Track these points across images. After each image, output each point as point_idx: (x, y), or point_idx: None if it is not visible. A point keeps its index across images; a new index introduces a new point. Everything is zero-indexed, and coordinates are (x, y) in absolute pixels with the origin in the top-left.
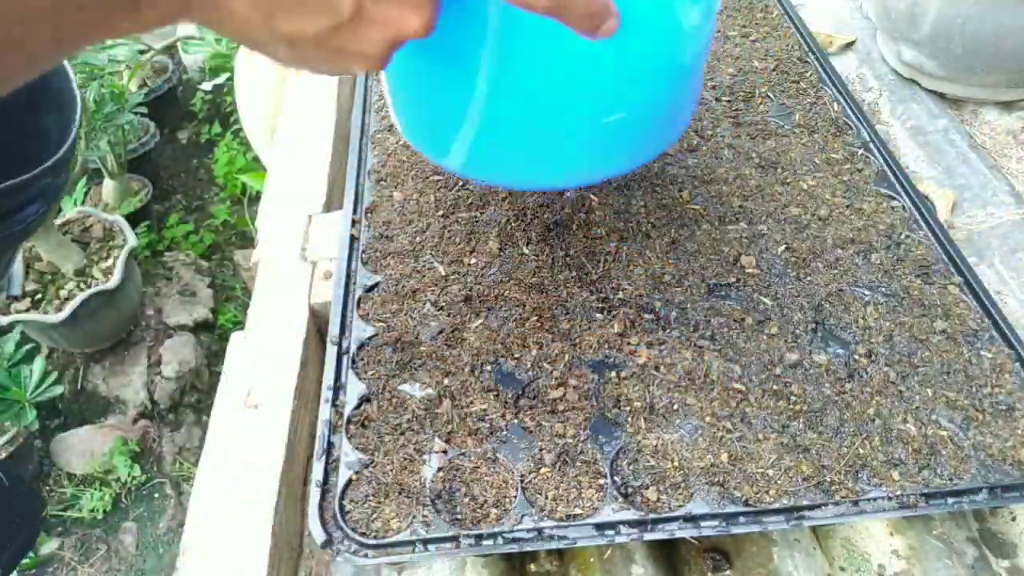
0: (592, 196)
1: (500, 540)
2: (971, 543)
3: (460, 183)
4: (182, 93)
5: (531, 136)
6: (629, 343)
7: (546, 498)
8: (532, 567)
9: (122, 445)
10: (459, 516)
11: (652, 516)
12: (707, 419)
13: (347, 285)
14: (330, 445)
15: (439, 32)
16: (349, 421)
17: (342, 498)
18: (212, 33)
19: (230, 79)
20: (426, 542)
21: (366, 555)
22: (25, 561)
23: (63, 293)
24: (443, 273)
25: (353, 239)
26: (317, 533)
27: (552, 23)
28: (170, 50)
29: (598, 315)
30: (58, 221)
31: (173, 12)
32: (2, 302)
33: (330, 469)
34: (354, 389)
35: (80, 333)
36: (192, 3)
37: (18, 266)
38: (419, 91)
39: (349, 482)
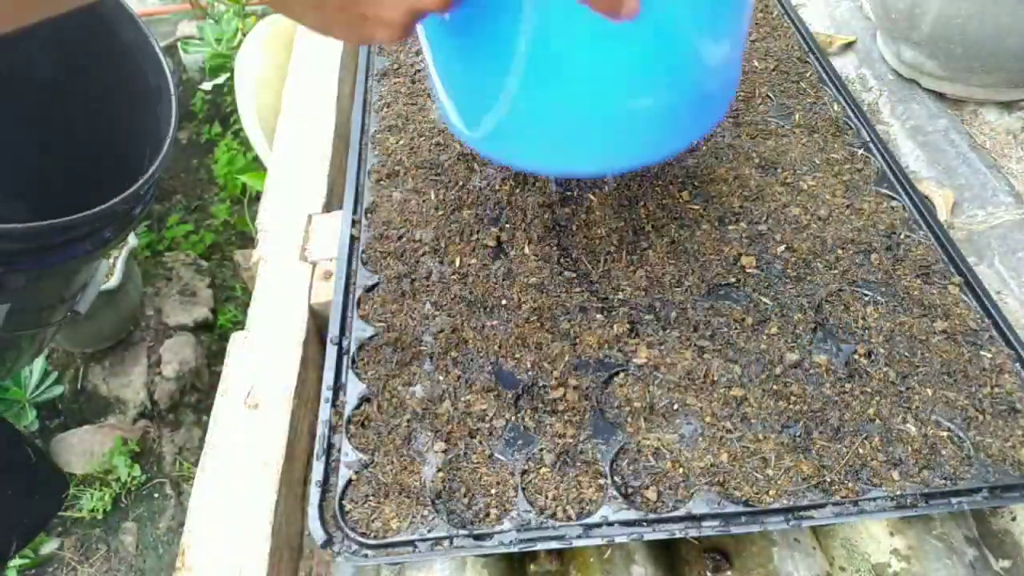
0: (592, 196)
1: (500, 540)
2: (971, 543)
3: (460, 183)
4: (182, 93)
5: (558, 113)
6: (629, 343)
7: (546, 498)
8: (532, 567)
9: (122, 445)
10: (459, 516)
11: (652, 516)
12: (707, 419)
13: (347, 285)
14: (330, 445)
15: (473, 5)
16: (349, 421)
17: (342, 498)
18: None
19: (230, 79)
20: (426, 542)
21: (366, 555)
22: (25, 561)
23: None
24: (443, 273)
25: (353, 239)
26: (317, 533)
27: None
28: (170, 50)
29: (598, 315)
30: None
31: None
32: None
33: (330, 469)
34: (354, 389)
35: (80, 333)
36: None
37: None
38: (454, 63)
39: (349, 482)
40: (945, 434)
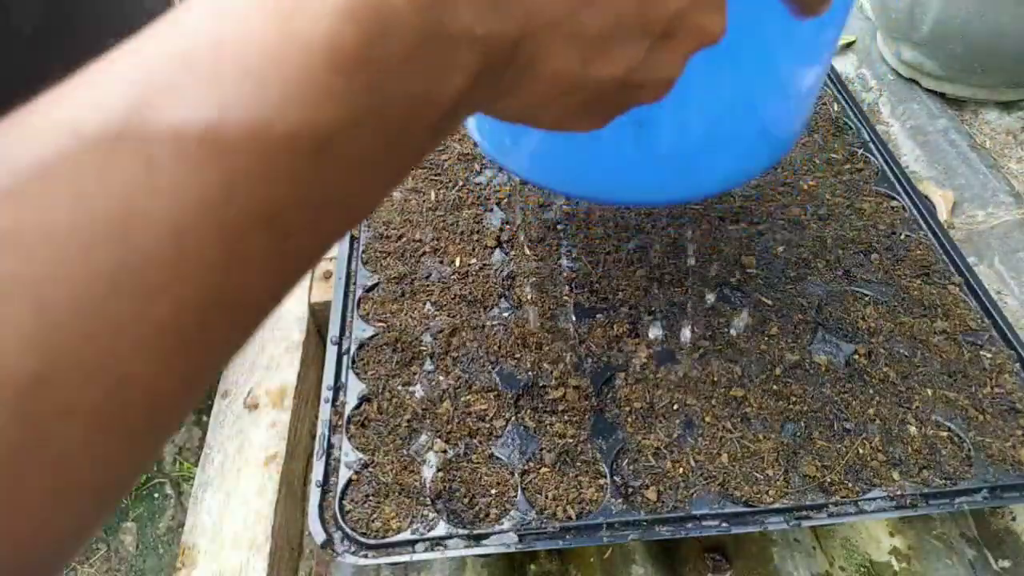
0: None
1: (500, 540)
2: (971, 543)
3: (460, 183)
4: None
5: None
6: (629, 343)
7: (546, 498)
8: (532, 567)
9: None
10: (459, 516)
11: (652, 516)
12: (707, 419)
13: (347, 285)
14: (330, 445)
15: None
16: (349, 421)
17: (342, 498)
18: None
19: None
20: (426, 542)
21: (366, 555)
22: None
23: None
24: (443, 273)
25: (353, 239)
26: (317, 533)
27: None
28: None
29: (598, 315)
30: None
31: (480, 104)
32: None
33: (330, 469)
34: (354, 389)
35: None
36: (503, 80)
37: None
38: None
39: (349, 482)
40: (945, 434)
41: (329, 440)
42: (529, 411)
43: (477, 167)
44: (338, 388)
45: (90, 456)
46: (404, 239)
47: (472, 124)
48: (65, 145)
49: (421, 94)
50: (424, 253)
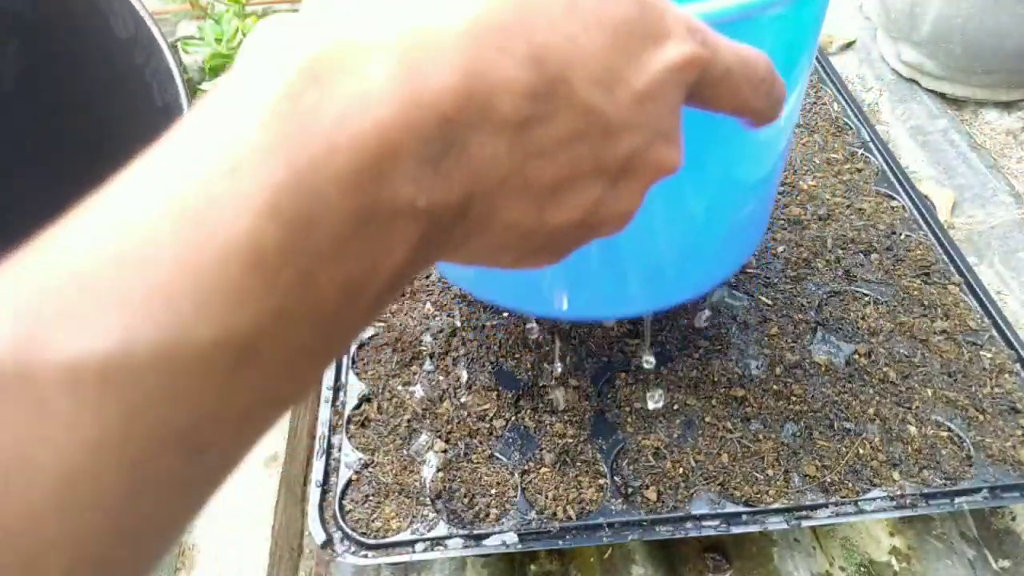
0: None
1: (500, 540)
2: (971, 543)
3: None
4: None
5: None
6: (629, 343)
7: (546, 498)
8: (532, 567)
9: None
10: (459, 516)
11: (652, 516)
12: (707, 419)
13: None
14: (330, 445)
15: None
16: (349, 421)
17: (342, 498)
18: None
19: None
20: (426, 542)
21: (366, 555)
22: None
23: None
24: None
25: None
26: (317, 533)
27: None
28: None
29: None
30: None
31: (431, 261)
32: None
33: (330, 469)
34: (354, 389)
35: None
36: (454, 237)
37: None
38: None
39: (349, 482)
40: (945, 434)
41: (329, 440)
42: (529, 411)
43: None
44: (338, 388)
45: None
46: None
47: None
48: None
49: (357, 276)
50: None
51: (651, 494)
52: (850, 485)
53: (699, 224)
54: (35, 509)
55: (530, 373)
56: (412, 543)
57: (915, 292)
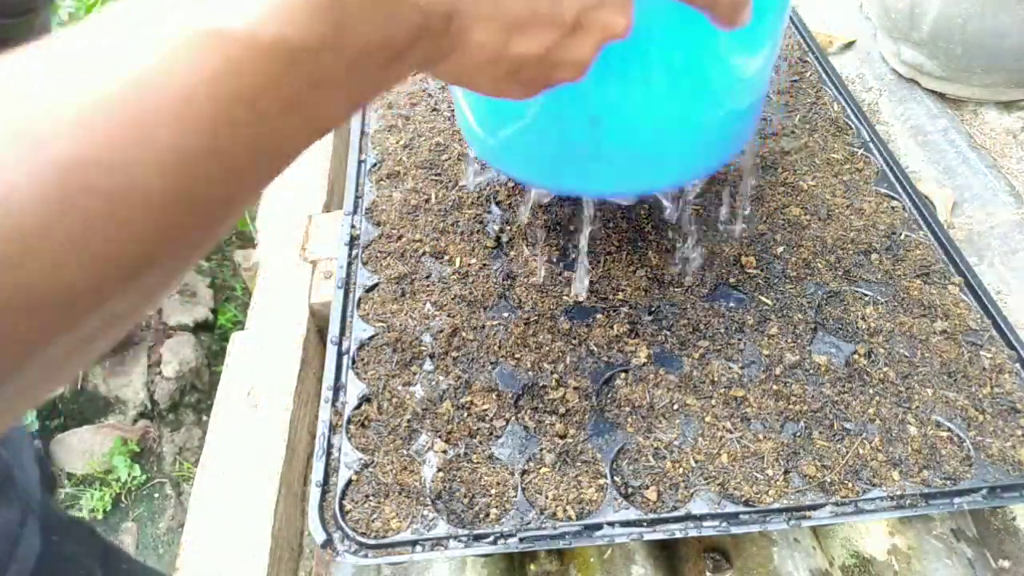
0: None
1: (500, 540)
2: (971, 543)
3: (460, 183)
4: None
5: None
6: (629, 343)
7: (546, 498)
8: (532, 567)
9: (122, 445)
10: (459, 516)
11: (652, 516)
12: (707, 419)
13: (347, 285)
14: (330, 445)
15: None
16: (349, 421)
17: (342, 498)
18: None
19: None
20: (426, 542)
21: (366, 555)
22: None
23: None
24: (443, 273)
25: (353, 239)
26: (317, 533)
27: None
28: None
29: (598, 315)
30: None
31: (425, 59)
32: None
33: (330, 469)
34: (354, 389)
35: None
36: (441, 44)
37: None
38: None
39: (349, 482)
40: (945, 434)
41: (329, 440)
42: (529, 411)
43: (477, 167)
44: (338, 388)
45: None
46: (404, 239)
47: (464, 128)
48: (150, 37)
49: (374, 38)
50: (424, 253)
51: (651, 494)
52: (850, 485)
53: (675, 114)
54: (175, 105)
55: (530, 373)
56: (412, 543)
57: (915, 292)
